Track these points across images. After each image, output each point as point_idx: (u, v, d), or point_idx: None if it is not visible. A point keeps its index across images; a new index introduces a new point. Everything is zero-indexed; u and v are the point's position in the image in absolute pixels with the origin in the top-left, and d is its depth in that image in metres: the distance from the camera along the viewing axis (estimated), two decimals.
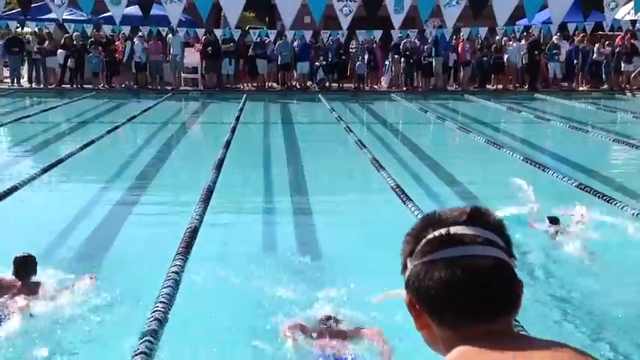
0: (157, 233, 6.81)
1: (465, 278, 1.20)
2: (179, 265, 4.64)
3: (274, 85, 23.57)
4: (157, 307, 3.92)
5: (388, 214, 7.38)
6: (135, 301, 5.05)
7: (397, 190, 7.73)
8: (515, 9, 18.16)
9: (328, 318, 4.77)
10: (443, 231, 1.24)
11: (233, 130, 12.79)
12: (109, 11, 19.92)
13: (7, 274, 5.22)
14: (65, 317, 4.74)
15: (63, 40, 22.62)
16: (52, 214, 7.97)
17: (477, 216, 1.27)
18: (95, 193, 9.06)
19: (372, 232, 6.89)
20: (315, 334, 4.58)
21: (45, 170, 9.11)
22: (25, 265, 5.22)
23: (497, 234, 1.26)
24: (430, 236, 1.25)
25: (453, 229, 1.24)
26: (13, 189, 7.71)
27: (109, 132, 13.03)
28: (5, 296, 4.89)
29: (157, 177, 10.32)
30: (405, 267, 1.30)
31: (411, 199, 7.17)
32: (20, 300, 4.85)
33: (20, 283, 5.13)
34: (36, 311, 4.79)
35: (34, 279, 5.22)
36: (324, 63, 22.75)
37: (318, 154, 12.53)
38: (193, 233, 5.74)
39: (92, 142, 11.72)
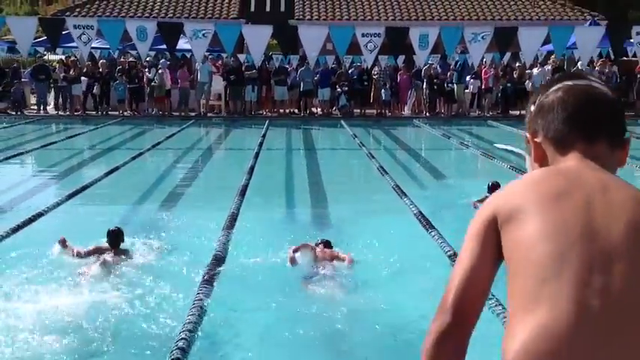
0: (182, 259, 6.83)
1: (581, 97, 1.56)
2: (204, 293, 4.64)
3: (295, 111, 23.67)
4: (182, 335, 3.92)
5: (410, 242, 7.33)
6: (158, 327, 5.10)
7: (420, 217, 7.69)
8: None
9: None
10: (567, 72, 1.73)
11: (256, 156, 12.84)
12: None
13: (104, 243, 6.84)
14: (143, 273, 6.32)
15: (85, 69, 22.97)
16: (77, 239, 8.01)
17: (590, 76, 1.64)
18: (119, 219, 9.11)
19: (395, 259, 6.84)
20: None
21: (70, 196, 9.19)
22: (115, 236, 6.80)
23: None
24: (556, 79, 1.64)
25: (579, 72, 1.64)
26: (39, 215, 7.80)
27: (133, 158, 13.15)
28: (102, 257, 6.52)
29: (181, 203, 10.37)
30: (530, 116, 1.67)
31: (433, 227, 7.13)
32: (113, 260, 6.52)
33: (113, 249, 6.72)
34: (124, 269, 6.41)
35: (122, 246, 6.85)
36: (347, 89, 22.79)
37: (340, 180, 12.52)
38: (218, 260, 5.75)
39: (117, 168, 11.84)
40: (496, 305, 4.49)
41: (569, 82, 1.58)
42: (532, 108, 1.64)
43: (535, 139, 1.62)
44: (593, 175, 1.49)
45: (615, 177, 1.52)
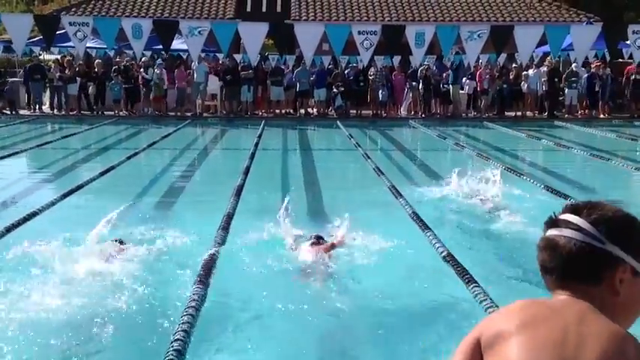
0: (177, 260, 6.81)
1: (546, 251, 1.72)
2: (199, 294, 4.63)
3: (291, 111, 23.66)
4: (177, 336, 3.90)
5: (406, 242, 7.32)
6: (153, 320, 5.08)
7: (415, 217, 7.69)
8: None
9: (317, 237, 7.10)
10: (553, 216, 1.76)
11: (252, 157, 12.82)
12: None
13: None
14: (138, 274, 6.36)
15: (77, 68, 22.90)
16: (74, 238, 7.98)
17: (581, 209, 1.72)
18: (114, 219, 9.07)
19: (391, 259, 6.83)
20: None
21: (65, 195, 9.17)
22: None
23: (595, 225, 1.66)
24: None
25: (561, 216, 1.74)
26: (33, 214, 7.77)
27: (128, 158, 13.12)
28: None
29: (177, 203, 10.35)
30: None
31: (429, 227, 7.12)
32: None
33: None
34: (119, 270, 6.45)
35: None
36: (342, 90, 22.78)
37: (336, 181, 12.51)
38: (213, 261, 5.75)
39: (112, 167, 11.81)
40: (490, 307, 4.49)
41: (546, 234, 1.74)
42: None
43: None
44: (573, 308, 1.64)
45: (595, 310, 1.63)
